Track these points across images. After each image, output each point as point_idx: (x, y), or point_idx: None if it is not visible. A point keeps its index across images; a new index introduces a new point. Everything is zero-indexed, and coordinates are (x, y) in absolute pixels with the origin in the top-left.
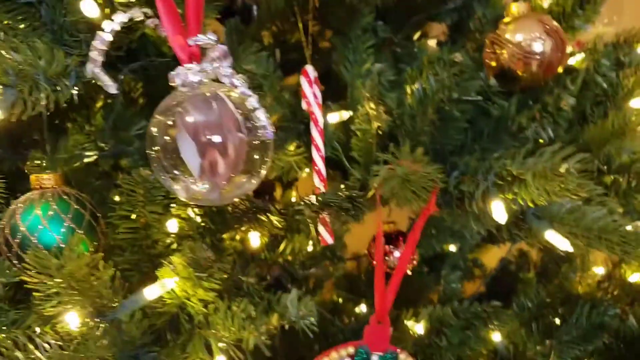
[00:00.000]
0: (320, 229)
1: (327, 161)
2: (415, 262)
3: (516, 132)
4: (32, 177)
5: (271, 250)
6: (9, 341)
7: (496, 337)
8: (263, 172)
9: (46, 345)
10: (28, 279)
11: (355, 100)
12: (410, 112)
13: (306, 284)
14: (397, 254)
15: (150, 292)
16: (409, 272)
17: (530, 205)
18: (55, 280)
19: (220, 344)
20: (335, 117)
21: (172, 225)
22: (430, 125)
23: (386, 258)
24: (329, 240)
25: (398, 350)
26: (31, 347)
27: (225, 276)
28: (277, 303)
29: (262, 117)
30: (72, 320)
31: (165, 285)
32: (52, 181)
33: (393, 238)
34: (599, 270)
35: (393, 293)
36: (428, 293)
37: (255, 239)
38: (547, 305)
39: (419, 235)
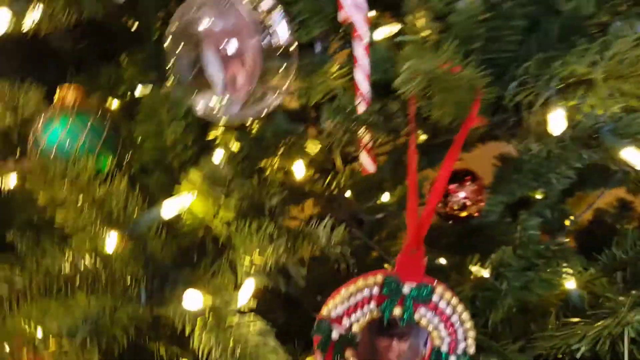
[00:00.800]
0: (362, 156)
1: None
2: (482, 204)
3: (593, 32)
4: (58, 90)
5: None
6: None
7: (570, 284)
8: (286, 83)
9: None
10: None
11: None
12: (461, 14)
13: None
14: (462, 194)
15: (169, 207)
16: (475, 214)
17: (600, 111)
18: (59, 188)
19: (245, 266)
20: (384, 31)
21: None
22: (485, 29)
23: (448, 198)
24: (371, 168)
25: (434, 282)
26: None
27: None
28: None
29: (278, 19)
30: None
31: (184, 201)
32: (74, 95)
33: (460, 177)
34: None
35: (428, 219)
36: (503, 241)
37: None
38: None
39: (458, 155)
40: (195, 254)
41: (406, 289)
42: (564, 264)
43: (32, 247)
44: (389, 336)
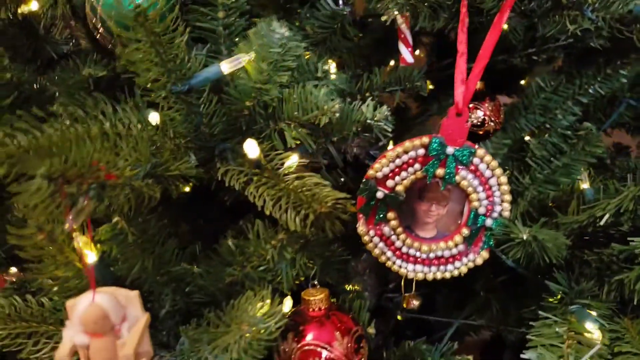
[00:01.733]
0: (401, 47)
1: None
2: (499, 121)
3: None
4: None
5: None
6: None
7: (584, 185)
8: None
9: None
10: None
11: None
12: None
13: None
14: (480, 112)
15: (227, 65)
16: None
17: None
18: (133, 35)
19: (294, 133)
20: None
21: None
22: None
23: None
24: (409, 59)
25: (476, 146)
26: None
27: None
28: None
29: None
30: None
31: (241, 60)
32: None
33: (479, 96)
34: None
35: (474, 83)
36: None
37: None
38: None
39: (501, 27)
40: (244, 123)
41: (450, 149)
42: (587, 149)
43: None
44: (428, 200)
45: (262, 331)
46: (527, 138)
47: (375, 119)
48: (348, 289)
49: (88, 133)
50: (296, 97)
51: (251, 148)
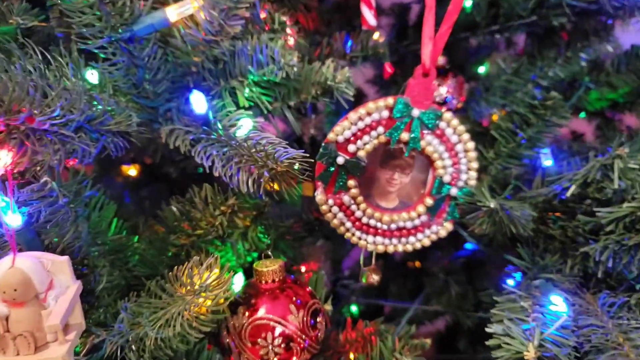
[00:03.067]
0: (363, 9)
1: None
2: (462, 98)
3: None
4: None
5: None
6: None
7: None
8: None
9: None
10: None
11: None
12: None
13: None
14: (443, 89)
15: (172, 12)
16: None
17: None
18: None
19: (247, 92)
20: None
21: None
22: None
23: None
24: (372, 21)
25: (442, 109)
26: None
27: None
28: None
29: None
30: None
31: (190, 6)
32: None
33: (441, 72)
34: None
35: (442, 41)
36: None
37: None
38: None
39: None
40: (192, 81)
41: (415, 112)
42: (555, 117)
43: None
44: (391, 168)
45: (209, 302)
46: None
47: (337, 80)
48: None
49: (11, 79)
50: (250, 50)
51: (199, 102)
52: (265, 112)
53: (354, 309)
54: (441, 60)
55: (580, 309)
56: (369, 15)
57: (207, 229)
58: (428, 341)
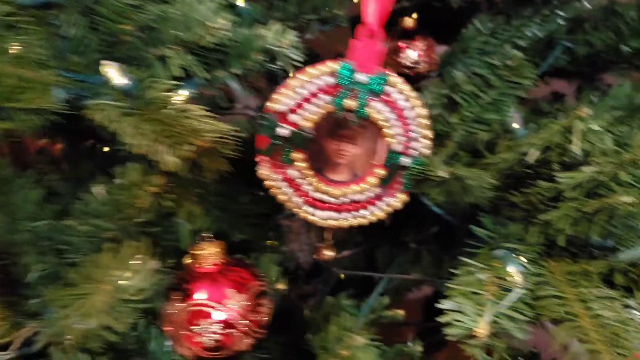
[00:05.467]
0: None
1: None
2: (433, 62)
3: None
4: None
5: None
6: None
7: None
8: None
9: None
10: None
11: None
12: None
13: None
14: (412, 51)
15: None
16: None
17: None
18: None
19: (179, 60)
20: None
21: None
22: None
23: (398, 55)
24: None
25: (388, 73)
26: None
27: None
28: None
29: None
30: None
31: None
32: None
33: (409, 34)
34: None
35: (389, 2)
36: None
37: None
38: None
39: None
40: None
41: (360, 77)
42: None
43: None
44: (340, 138)
45: (129, 291)
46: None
47: (281, 45)
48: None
49: None
50: (178, 13)
51: (111, 73)
52: (205, 81)
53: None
54: (409, 21)
55: (541, 279)
56: None
57: (133, 212)
58: (401, 312)
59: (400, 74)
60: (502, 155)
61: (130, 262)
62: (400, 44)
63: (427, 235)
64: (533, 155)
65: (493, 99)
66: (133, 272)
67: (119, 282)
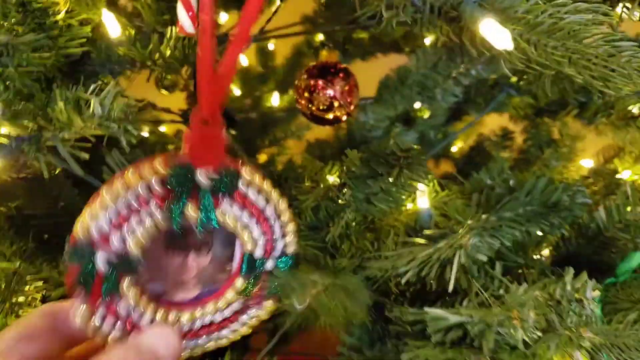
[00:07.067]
0: (179, 10)
1: None
2: (352, 107)
3: None
4: None
5: None
6: None
7: (423, 203)
8: None
9: None
10: None
11: None
12: None
13: None
14: (330, 92)
15: None
16: (343, 118)
17: None
18: None
19: None
20: None
21: None
22: None
23: (314, 95)
24: (189, 28)
25: (239, 164)
26: None
27: None
28: None
29: None
30: None
31: None
32: None
33: (331, 72)
34: (587, 163)
35: (228, 77)
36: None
37: None
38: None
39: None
40: None
41: (201, 176)
42: (410, 175)
43: None
44: (183, 250)
45: None
46: None
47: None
48: None
49: None
50: None
51: None
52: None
53: None
54: (332, 57)
55: None
56: (185, 20)
57: None
58: None
59: (316, 117)
60: (378, 263)
61: None
62: (318, 82)
63: None
64: (406, 276)
65: (384, 189)
66: None
67: None
